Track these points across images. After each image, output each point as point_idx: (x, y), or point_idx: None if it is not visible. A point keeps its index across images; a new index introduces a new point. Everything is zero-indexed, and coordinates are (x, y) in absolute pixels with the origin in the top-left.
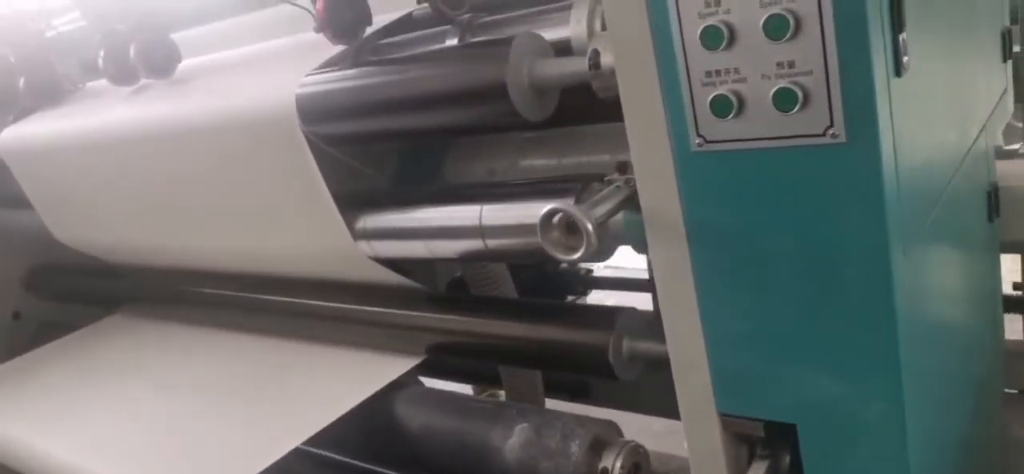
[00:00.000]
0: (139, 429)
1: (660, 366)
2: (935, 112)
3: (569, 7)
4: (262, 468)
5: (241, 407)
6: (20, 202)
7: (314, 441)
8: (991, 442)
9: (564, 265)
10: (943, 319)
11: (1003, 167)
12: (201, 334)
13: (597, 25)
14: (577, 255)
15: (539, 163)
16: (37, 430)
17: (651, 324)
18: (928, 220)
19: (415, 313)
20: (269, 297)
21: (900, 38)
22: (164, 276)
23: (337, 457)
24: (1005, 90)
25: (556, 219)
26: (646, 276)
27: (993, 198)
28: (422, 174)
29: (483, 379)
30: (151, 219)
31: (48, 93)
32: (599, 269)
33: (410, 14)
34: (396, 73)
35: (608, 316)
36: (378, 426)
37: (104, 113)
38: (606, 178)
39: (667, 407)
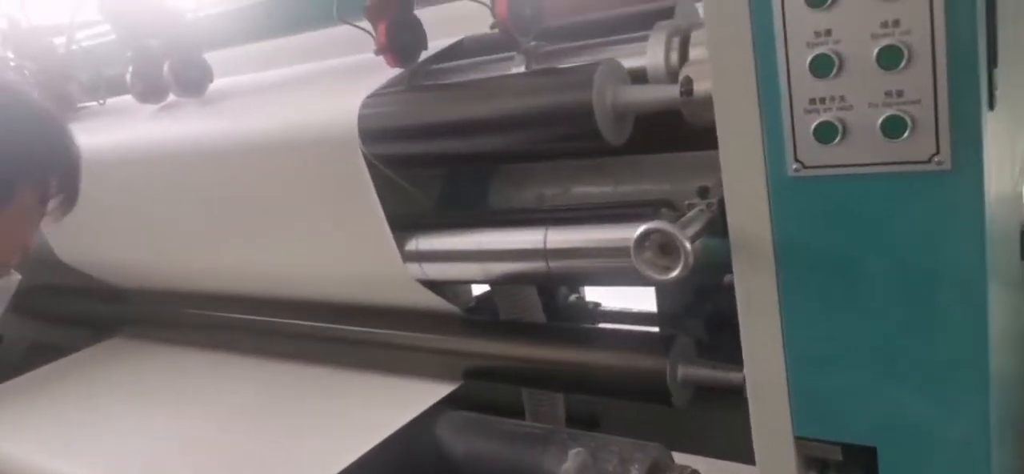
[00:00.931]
0: (166, 453)
1: (709, 392)
2: (1004, 148)
3: (636, 39)
4: None
5: (271, 435)
6: None
7: (352, 471)
8: None
9: (573, 298)
10: (1002, 351)
11: None
12: (213, 359)
13: (673, 57)
14: (672, 275)
15: (593, 190)
16: (54, 450)
17: (700, 350)
18: (1000, 251)
19: (456, 338)
20: (292, 321)
21: (994, 72)
22: (170, 299)
23: None
24: None
25: (649, 240)
26: (653, 309)
27: None
28: (468, 198)
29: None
30: (178, 240)
31: (64, 108)
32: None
33: (461, 41)
34: (476, 96)
35: (659, 342)
36: (419, 454)
37: (130, 130)
38: (688, 203)
39: (673, 439)
